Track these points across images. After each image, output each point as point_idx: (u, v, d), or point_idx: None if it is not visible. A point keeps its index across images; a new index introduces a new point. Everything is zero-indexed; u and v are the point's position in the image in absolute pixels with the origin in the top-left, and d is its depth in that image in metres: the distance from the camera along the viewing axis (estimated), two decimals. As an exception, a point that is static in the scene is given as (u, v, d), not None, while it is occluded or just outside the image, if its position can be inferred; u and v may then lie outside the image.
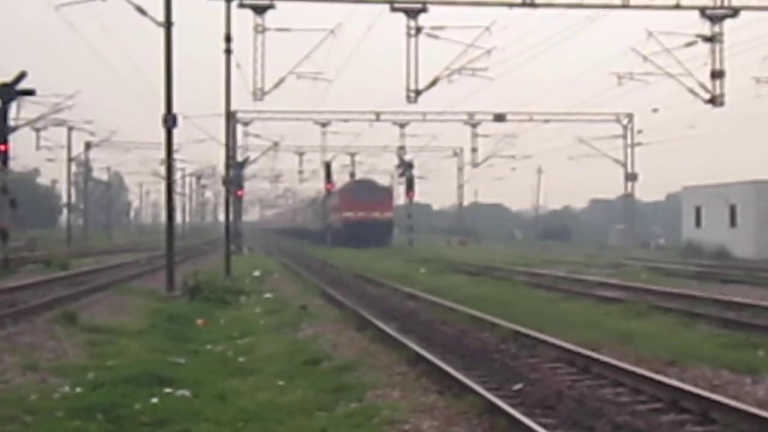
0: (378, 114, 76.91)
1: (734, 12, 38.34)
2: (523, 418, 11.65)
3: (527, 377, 15.43)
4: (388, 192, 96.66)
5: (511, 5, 37.69)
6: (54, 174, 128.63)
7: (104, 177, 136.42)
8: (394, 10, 37.72)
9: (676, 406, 12.84)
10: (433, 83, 40.98)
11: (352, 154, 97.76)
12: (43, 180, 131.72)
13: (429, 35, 39.04)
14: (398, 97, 41.87)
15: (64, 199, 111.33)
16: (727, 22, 38.77)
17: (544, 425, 11.48)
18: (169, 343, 20.42)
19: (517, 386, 14.55)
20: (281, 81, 42.43)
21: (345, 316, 25.46)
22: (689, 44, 39.58)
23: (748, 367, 15.44)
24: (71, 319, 22.95)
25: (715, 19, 38.56)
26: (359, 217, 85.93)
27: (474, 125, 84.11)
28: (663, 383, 13.82)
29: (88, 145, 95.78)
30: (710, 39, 38.91)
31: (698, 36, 39.09)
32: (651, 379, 14.19)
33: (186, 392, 14.26)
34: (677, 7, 37.76)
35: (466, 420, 12.22)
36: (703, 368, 15.65)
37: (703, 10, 38.27)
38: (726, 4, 38.14)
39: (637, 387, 14.18)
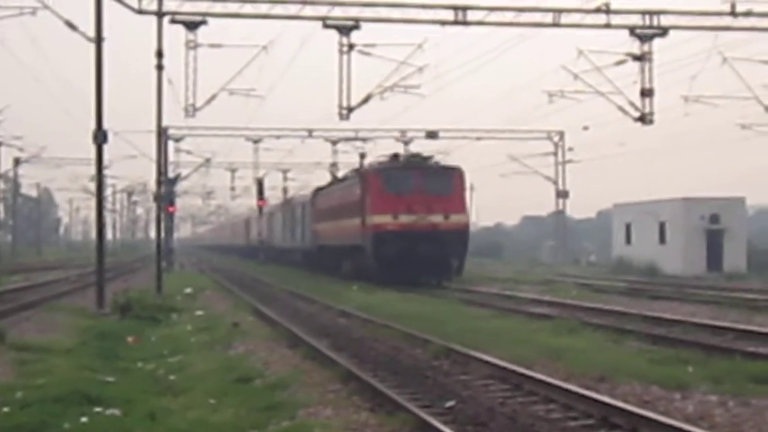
0: (310, 131, 76.58)
1: (663, 31, 38.89)
2: (456, 435, 11.72)
3: (459, 394, 15.46)
4: (458, 176, 48.02)
5: (443, 23, 37.94)
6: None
7: (33, 193, 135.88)
8: (326, 26, 37.84)
9: (606, 422, 12.94)
10: (366, 100, 41.06)
11: (285, 171, 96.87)
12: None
13: (361, 52, 39.18)
14: (331, 114, 41.86)
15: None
16: (657, 42, 39.34)
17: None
18: (99, 361, 20.18)
19: (449, 403, 14.55)
20: (213, 97, 42.29)
21: (277, 334, 25.42)
22: (619, 63, 40.07)
23: (677, 383, 15.59)
24: (0, 337, 22.71)
25: (644, 38, 39.08)
26: (407, 226, 43.32)
27: (406, 142, 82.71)
28: (594, 399, 13.93)
29: (17, 161, 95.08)
30: (639, 58, 39.40)
31: (628, 55, 39.59)
32: (582, 396, 14.29)
33: (116, 411, 14.04)
34: (607, 26, 38.25)
35: (399, 438, 12.25)
36: (633, 384, 15.79)
37: (632, 30, 38.78)
38: (655, 23, 38.68)
39: (569, 403, 14.28)
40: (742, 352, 19.01)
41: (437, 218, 44.80)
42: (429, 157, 49.06)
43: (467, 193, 45.85)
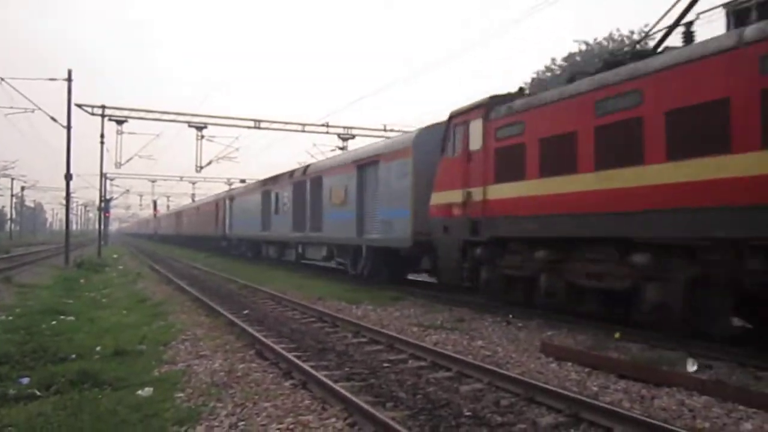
0: (181, 177, 73.46)
1: (353, 136, 39.66)
2: (247, 327, 11.52)
3: (251, 307, 15.21)
4: None
5: (248, 127, 37.32)
6: (4, 202, 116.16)
7: (32, 205, 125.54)
8: (190, 126, 36.39)
9: (321, 320, 13.07)
10: (209, 163, 39.86)
11: (168, 197, 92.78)
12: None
13: (207, 139, 37.86)
14: (191, 168, 40.24)
15: (8, 216, 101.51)
16: (350, 141, 39.99)
17: (258, 330, 11.43)
18: (64, 292, 18.70)
19: (245, 311, 14.33)
20: (130, 159, 39.74)
21: (160, 277, 24.34)
22: (333, 150, 40.33)
23: (355, 301, 15.86)
24: (8, 280, 20.85)
25: (344, 139, 39.66)
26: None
27: (230, 185, 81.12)
28: (314, 308, 14.03)
29: (22, 188, 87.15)
30: (342, 148, 39.90)
31: (337, 146, 40.01)
32: (309, 307, 14.37)
33: (72, 318, 13.11)
34: (327, 132, 38.60)
35: (219, 328, 11.93)
36: (334, 302, 15.96)
37: (339, 135, 39.29)
38: (349, 132, 39.38)
39: (303, 311, 14.33)
40: (386, 288, 19.57)
41: None
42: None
43: None
